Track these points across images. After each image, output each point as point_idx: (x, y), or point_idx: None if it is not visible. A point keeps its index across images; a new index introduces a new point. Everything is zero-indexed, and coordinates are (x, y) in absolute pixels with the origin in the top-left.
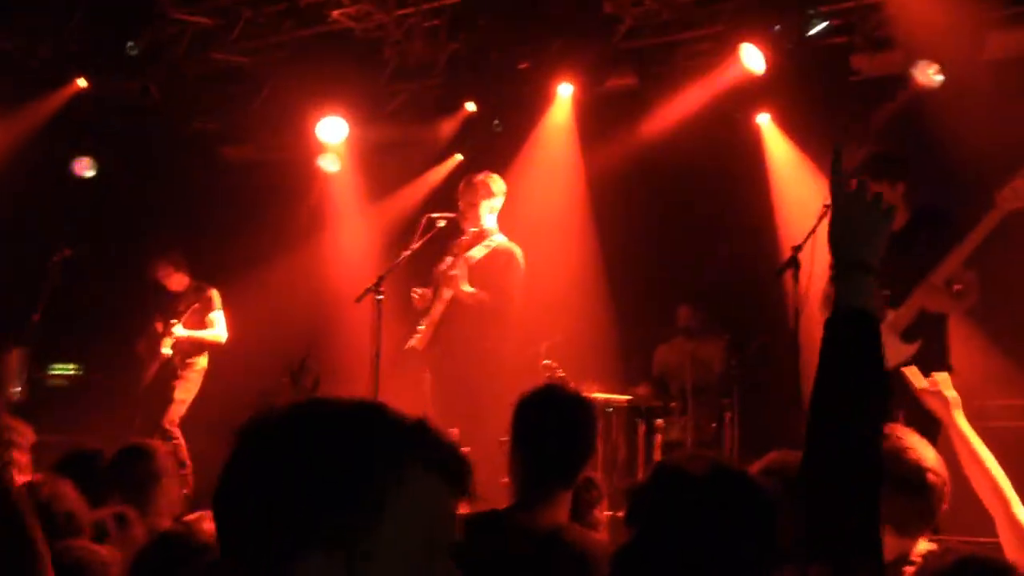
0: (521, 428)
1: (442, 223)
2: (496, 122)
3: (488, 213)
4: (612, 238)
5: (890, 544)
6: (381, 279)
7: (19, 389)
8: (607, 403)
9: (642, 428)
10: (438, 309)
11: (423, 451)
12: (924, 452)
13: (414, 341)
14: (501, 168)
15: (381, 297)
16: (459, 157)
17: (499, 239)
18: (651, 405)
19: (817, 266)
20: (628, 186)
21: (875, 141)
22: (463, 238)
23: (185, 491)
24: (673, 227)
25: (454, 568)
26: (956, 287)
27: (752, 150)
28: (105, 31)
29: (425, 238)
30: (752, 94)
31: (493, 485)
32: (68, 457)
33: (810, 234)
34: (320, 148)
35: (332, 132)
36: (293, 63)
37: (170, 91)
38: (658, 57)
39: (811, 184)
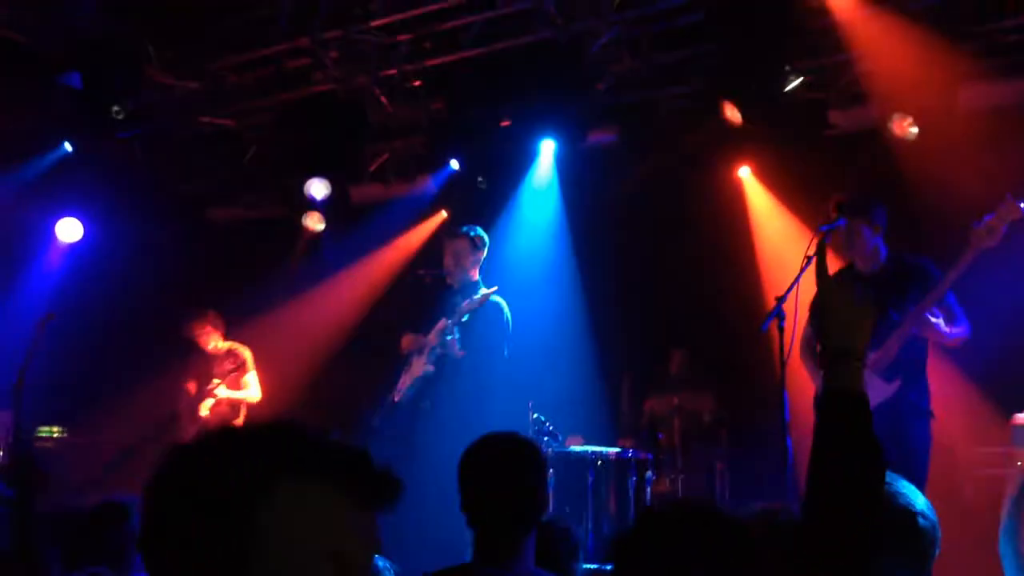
0: (466, 479)
1: (429, 279)
2: (480, 179)
3: (474, 267)
4: (598, 292)
5: None
6: (368, 336)
7: (1, 453)
8: (596, 456)
9: (632, 480)
10: (422, 366)
11: (308, 465)
12: (913, 496)
13: (398, 396)
14: (486, 224)
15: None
16: (444, 214)
17: (483, 293)
18: (640, 457)
19: (801, 316)
20: (612, 239)
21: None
22: (450, 293)
23: None
24: (658, 280)
25: None
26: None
27: (734, 203)
28: (91, 95)
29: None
30: (732, 148)
31: None
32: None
33: (793, 284)
34: (305, 208)
35: (317, 192)
36: (278, 125)
37: (156, 154)
38: (639, 113)
39: (792, 235)
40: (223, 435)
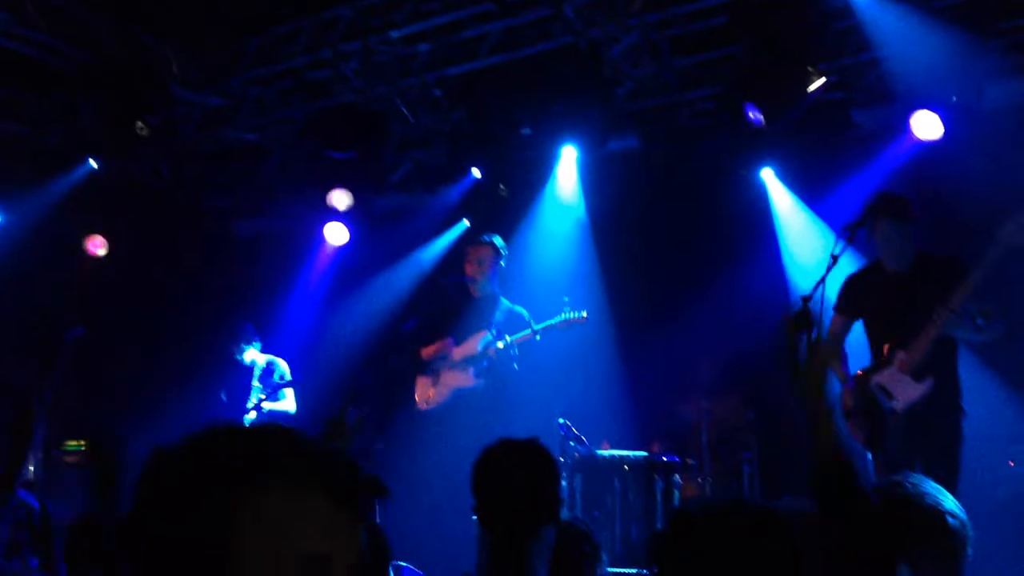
0: (479, 481)
1: (452, 290)
2: (502, 187)
3: (495, 275)
4: (621, 297)
5: None
6: (393, 348)
7: (31, 467)
8: (623, 460)
9: (660, 484)
10: (469, 378)
11: (290, 467)
12: (941, 497)
13: (427, 404)
14: (508, 231)
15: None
16: (466, 223)
17: (507, 302)
18: (668, 461)
19: (829, 317)
20: (635, 245)
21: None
22: (473, 301)
23: None
24: (681, 281)
25: None
26: (978, 319)
27: (757, 205)
28: (116, 112)
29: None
30: (755, 150)
31: None
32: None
33: (819, 284)
34: (329, 219)
35: (340, 203)
36: (301, 137)
37: (180, 169)
38: (660, 118)
39: (817, 236)
40: (205, 436)
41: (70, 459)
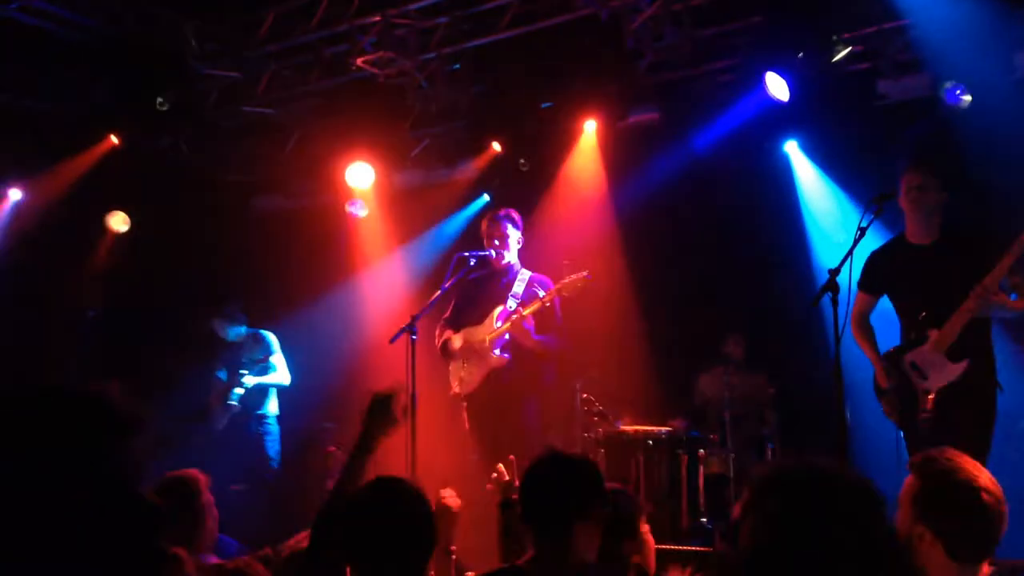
0: (528, 490)
1: (473, 261)
2: (522, 161)
3: (516, 247)
4: (643, 271)
5: (953, 574)
6: (415, 319)
7: None
8: (647, 435)
9: (684, 459)
10: (496, 356)
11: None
12: (976, 473)
13: (459, 387)
14: (529, 205)
15: (415, 337)
16: (486, 197)
17: (528, 273)
18: (692, 437)
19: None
20: (657, 218)
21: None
22: (494, 275)
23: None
24: (705, 257)
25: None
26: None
27: (781, 177)
28: (135, 88)
29: (456, 277)
30: (778, 122)
31: None
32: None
33: (846, 257)
34: (349, 194)
35: (360, 178)
36: (320, 112)
37: (200, 145)
38: (681, 90)
39: (842, 208)
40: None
41: None
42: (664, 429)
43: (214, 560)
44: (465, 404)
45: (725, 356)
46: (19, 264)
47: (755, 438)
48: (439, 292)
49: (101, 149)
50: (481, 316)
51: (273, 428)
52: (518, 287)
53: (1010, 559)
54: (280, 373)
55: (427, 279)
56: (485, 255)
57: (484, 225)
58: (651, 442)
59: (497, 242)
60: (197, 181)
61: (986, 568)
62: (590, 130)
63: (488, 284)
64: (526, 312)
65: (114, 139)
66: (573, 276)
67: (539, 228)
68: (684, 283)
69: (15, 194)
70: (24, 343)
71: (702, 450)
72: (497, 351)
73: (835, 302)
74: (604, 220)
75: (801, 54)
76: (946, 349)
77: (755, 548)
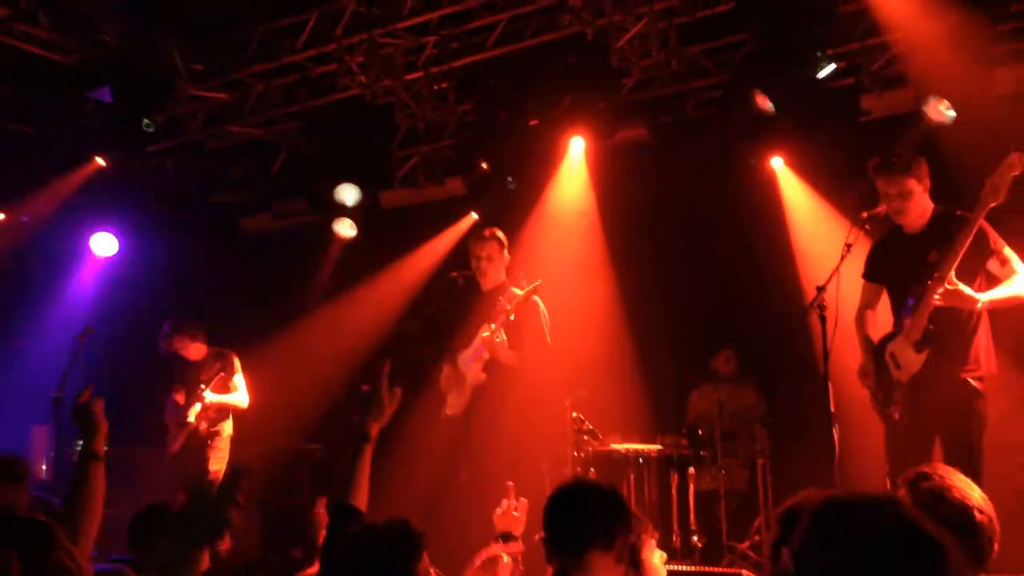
0: (552, 518)
1: (462, 282)
2: (509, 179)
3: (502, 267)
4: (632, 288)
5: None
6: (402, 339)
7: (44, 467)
8: (637, 454)
9: (675, 478)
10: (478, 375)
11: None
12: (968, 491)
13: (449, 409)
14: (518, 223)
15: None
16: (474, 216)
17: (517, 292)
18: (683, 453)
19: (843, 307)
20: (644, 235)
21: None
22: (481, 296)
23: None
24: (693, 273)
25: None
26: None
27: (768, 193)
28: (122, 109)
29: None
30: (764, 138)
31: (533, 543)
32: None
33: (834, 273)
34: (336, 214)
35: (348, 198)
36: (306, 132)
37: (187, 165)
38: (668, 107)
39: (828, 224)
40: None
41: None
42: (654, 447)
43: None
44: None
45: (715, 373)
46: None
47: (746, 455)
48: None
49: (88, 170)
50: (469, 338)
51: (222, 446)
52: (499, 307)
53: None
54: (240, 395)
55: (415, 298)
56: (473, 276)
57: (471, 244)
58: (642, 460)
59: (484, 261)
60: (184, 200)
61: None
62: (577, 148)
63: (475, 305)
64: (493, 326)
65: (100, 161)
66: (527, 288)
67: (526, 247)
68: (671, 299)
69: None
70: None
71: (692, 468)
72: (479, 369)
73: (823, 318)
74: (592, 237)
75: (786, 71)
76: (915, 339)
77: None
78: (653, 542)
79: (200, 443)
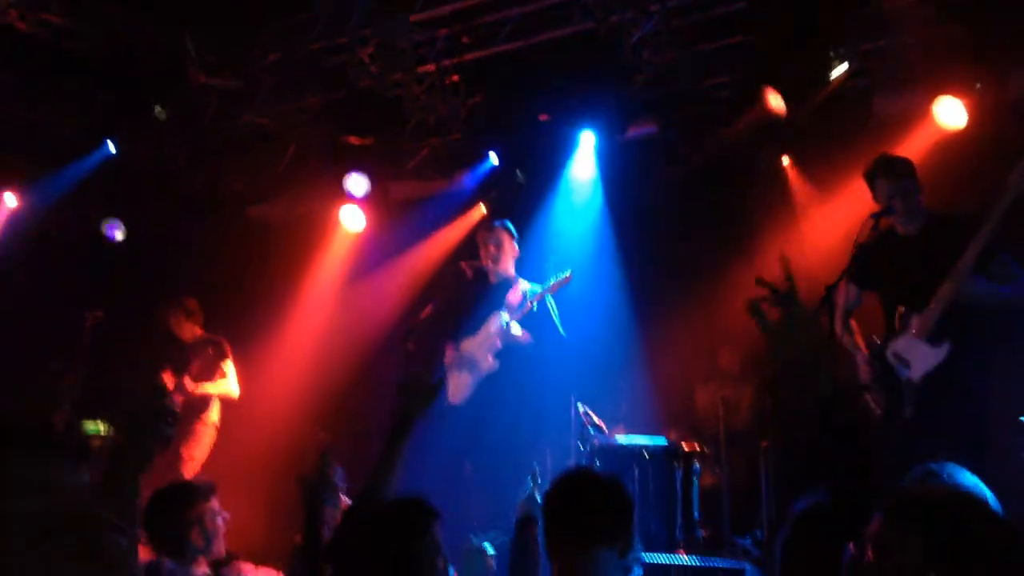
0: (551, 511)
1: (470, 272)
2: (519, 173)
3: (512, 259)
4: (639, 284)
5: None
6: (410, 330)
7: None
8: (643, 447)
9: (679, 473)
10: (489, 363)
11: None
12: (976, 491)
13: (452, 396)
14: (526, 217)
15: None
16: (483, 208)
17: (526, 283)
18: (687, 448)
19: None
20: (653, 232)
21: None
22: (490, 287)
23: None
24: (700, 270)
25: None
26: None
27: (777, 193)
28: (133, 97)
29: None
30: (774, 137)
31: None
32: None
33: (844, 274)
34: (345, 205)
35: (357, 189)
36: (317, 123)
37: (197, 154)
38: (679, 104)
39: (837, 224)
40: None
41: (93, 443)
42: (660, 442)
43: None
44: (455, 413)
45: (720, 368)
46: (15, 271)
47: (751, 452)
48: (437, 303)
49: (98, 157)
50: (476, 326)
51: (204, 431)
52: (513, 297)
53: None
54: (228, 383)
55: (424, 290)
56: (482, 267)
57: (480, 236)
58: (647, 454)
59: (493, 253)
60: (193, 189)
61: None
62: (587, 143)
63: (484, 294)
64: (510, 318)
65: (112, 147)
66: (557, 279)
67: (535, 240)
68: (679, 295)
69: (11, 201)
70: (19, 349)
71: (697, 462)
72: (490, 357)
73: (831, 318)
74: (601, 232)
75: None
76: (927, 335)
77: None
78: None
79: (181, 428)
